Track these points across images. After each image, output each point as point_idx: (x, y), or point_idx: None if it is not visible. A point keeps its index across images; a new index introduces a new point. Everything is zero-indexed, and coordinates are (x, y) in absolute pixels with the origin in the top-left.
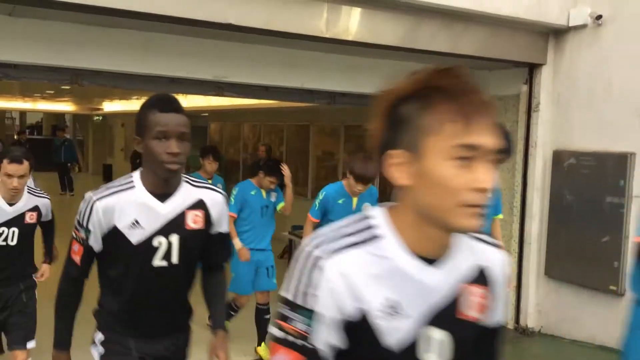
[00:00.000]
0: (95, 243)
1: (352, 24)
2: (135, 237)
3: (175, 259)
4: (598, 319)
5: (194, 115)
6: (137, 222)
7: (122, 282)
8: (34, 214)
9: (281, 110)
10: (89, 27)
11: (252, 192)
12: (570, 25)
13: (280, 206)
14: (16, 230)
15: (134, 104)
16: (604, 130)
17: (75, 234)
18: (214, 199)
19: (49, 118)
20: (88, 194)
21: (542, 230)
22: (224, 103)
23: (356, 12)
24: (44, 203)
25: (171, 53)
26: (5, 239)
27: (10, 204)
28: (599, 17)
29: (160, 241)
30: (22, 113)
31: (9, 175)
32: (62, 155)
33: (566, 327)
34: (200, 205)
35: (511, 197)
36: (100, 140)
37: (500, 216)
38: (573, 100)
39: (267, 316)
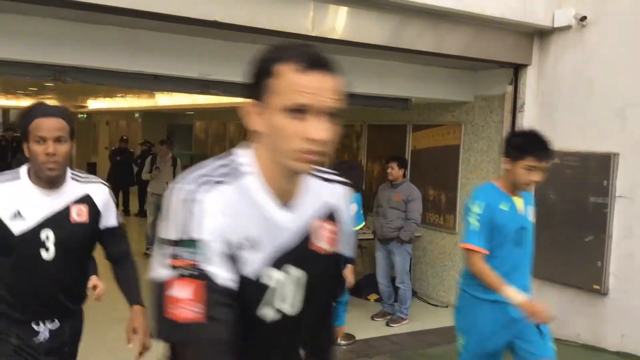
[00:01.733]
0: None
1: (338, 22)
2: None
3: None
4: (582, 318)
5: (179, 113)
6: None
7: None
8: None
9: None
10: (72, 23)
11: None
12: (555, 26)
13: None
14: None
15: (118, 102)
16: (588, 130)
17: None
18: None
19: None
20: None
21: None
22: (210, 101)
23: (342, 11)
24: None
25: (156, 50)
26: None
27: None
28: (584, 18)
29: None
30: (5, 110)
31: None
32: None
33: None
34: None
35: None
36: (85, 138)
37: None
38: (557, 100)
39: None
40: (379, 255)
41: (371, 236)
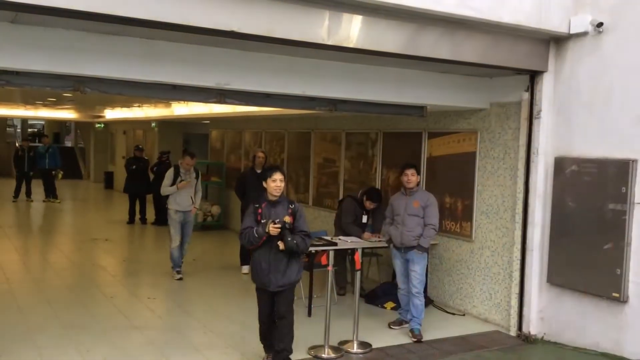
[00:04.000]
0: None
1: (353, 31)
2: None
3: None
4: (600, 326)
5: (195, 122)
6: None
7: None
8: None
9: (282, 117)
10: (91, 35)
11: None
12: (572, 32)
13: None
14: None
15: (135, 112)
16: (606, 137)
17: None
18: None
19: (51, 125)
20: None
21: (544, 237)
22: (226, 110)
23: (357, 20)
24: None
25: (173, 60)
26: None
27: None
28: (600, 24)
29: None
30: (24, 120)
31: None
32: (47, 162)
33: (569, 334)
34: None
35: (513, 204)
36: (102, 147)
37: None
38: (574, 107)
39: None
40: (398, 262)
41: (385, 244)
